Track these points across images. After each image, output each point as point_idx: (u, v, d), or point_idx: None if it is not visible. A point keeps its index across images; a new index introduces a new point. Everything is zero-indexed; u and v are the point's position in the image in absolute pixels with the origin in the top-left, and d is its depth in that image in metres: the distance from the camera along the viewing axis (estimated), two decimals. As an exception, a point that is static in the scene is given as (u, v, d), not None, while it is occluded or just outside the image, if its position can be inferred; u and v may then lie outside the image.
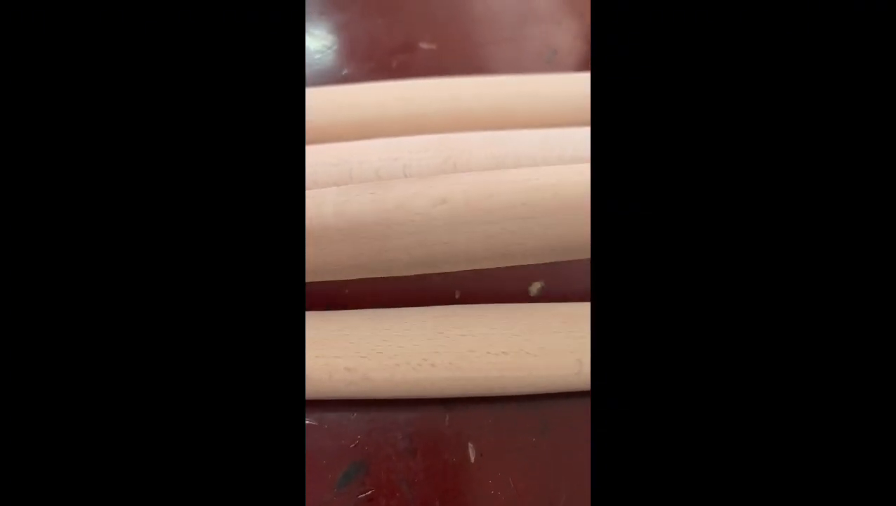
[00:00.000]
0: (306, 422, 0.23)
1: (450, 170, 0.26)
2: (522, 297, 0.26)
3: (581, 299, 0.24)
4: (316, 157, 0.26)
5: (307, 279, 0.23)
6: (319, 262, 0.22)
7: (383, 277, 0.24)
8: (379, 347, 0.22)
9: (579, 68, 0.35)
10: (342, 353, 0.22)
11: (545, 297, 0.26)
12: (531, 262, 0.22)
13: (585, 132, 0.26)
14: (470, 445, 0.22)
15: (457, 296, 0.26)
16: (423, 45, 0.37)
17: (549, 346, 0.22)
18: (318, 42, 0.38)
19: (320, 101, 0.31)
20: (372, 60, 0.36)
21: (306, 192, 0.24)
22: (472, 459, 0.22)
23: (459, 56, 0.37)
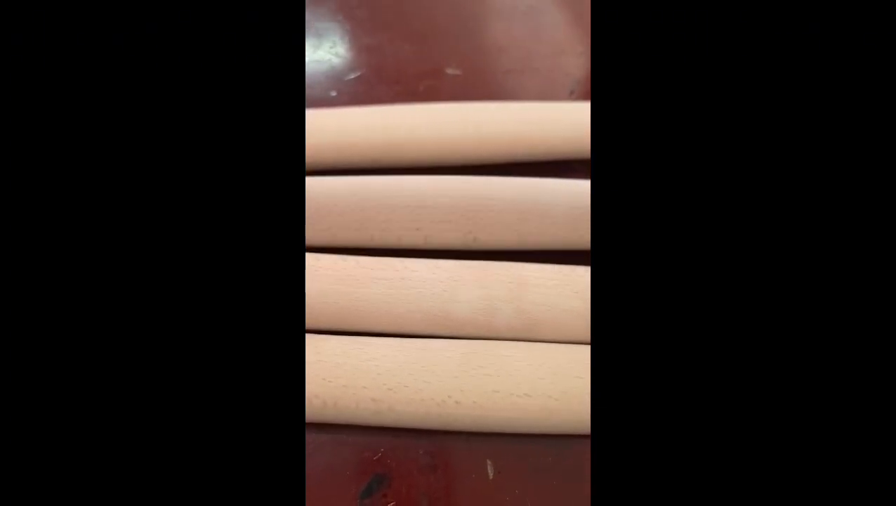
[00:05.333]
0: (329, 436, 0.22)
1: (471, 244, 0.26)
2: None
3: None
4: (337, 219, 0.26)
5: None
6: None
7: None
8: (405, 380, 0.22)
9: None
10: (369, 383, 0.22)
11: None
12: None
13: None
14: (488, 462, 0.22)
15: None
16: (450, 71, 0.38)
17: (572, 390, 0.21)
18: (348, 64, 0.39)
19: (349, 122, 0.30)
20: (399, 84, 0.37)
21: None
22: (491, 475, 0.22)
23: (484, 83, 0.37)
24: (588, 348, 0.23)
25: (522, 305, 0.23)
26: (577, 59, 0.38)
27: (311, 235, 0.26)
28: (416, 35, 0.39)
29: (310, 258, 0.25)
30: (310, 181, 0.27)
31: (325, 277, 0.24)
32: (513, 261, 0.25)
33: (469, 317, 0.23)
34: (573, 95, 0.35)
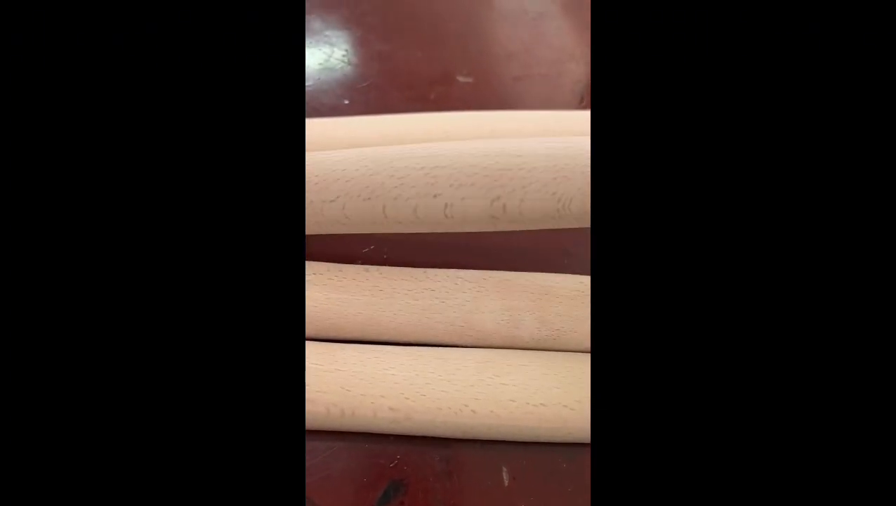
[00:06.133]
0: (346, 444, 0.22)
1: (499, 213, 0.21)
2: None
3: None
4: (344, 185, 0.22)
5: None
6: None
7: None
8: (422, 389, 0.22)
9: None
10: (387, 393, 0.22)
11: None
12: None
13: None
14: (504, 468, 0.22)
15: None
16: (461, 79, 0.38)
17: (587, 399, 0.21)
18: (360, 72, 0.39)
19: (362, 130, 0.31)
20: (411, 91, 0.37)
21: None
22: (506, 482, 0.22)
23: (495, 90, 0.37)
24: None
25: (546, 315, 0.23)
26: (587, 66, 0.38)
27: (320, 207, 0.23)
28: (427, 42, 0.39)
29: (332, 269, 0.25)
30: (317, 154, 0.24)
31: (348, 287, 0.24)
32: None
33: (492, 327, 0.23)
34: (583, 103, 0.36)
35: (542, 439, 0.22)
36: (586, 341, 0.23)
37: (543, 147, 0.21)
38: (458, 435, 0.22)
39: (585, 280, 0.24)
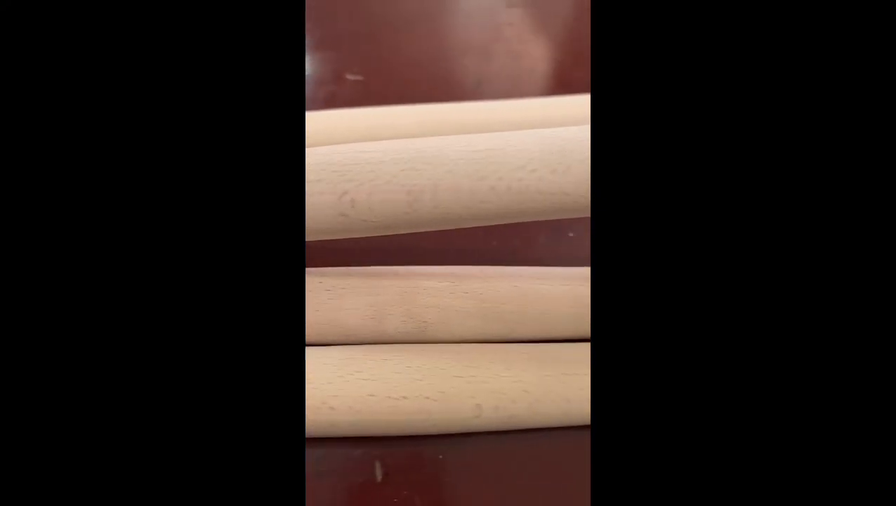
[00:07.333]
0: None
1: (347, 209, 0.20)
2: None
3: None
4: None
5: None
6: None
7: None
8: None
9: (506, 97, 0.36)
10: None
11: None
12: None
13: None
14: (377, 463, 0.22)
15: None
16: (350, 77, 0.38)
17: (449, 390, 0.21)
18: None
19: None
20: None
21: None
22: (379, 477, 0.21)
23: (388, 85, 0.37)
24: (472, 347, 0.23)
25: (412, 308, 0.23)
26: (548, 62, 0.38)
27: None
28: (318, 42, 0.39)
29: None
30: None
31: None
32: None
33: (356, 323, 0.23)
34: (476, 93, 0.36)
35: (408, 432, 0.22)
36: (456, 332, 0.23)
37: (397, 142, 0.21)
38: (321, 434, 0.22)
39: (455, 270, 0.24)
